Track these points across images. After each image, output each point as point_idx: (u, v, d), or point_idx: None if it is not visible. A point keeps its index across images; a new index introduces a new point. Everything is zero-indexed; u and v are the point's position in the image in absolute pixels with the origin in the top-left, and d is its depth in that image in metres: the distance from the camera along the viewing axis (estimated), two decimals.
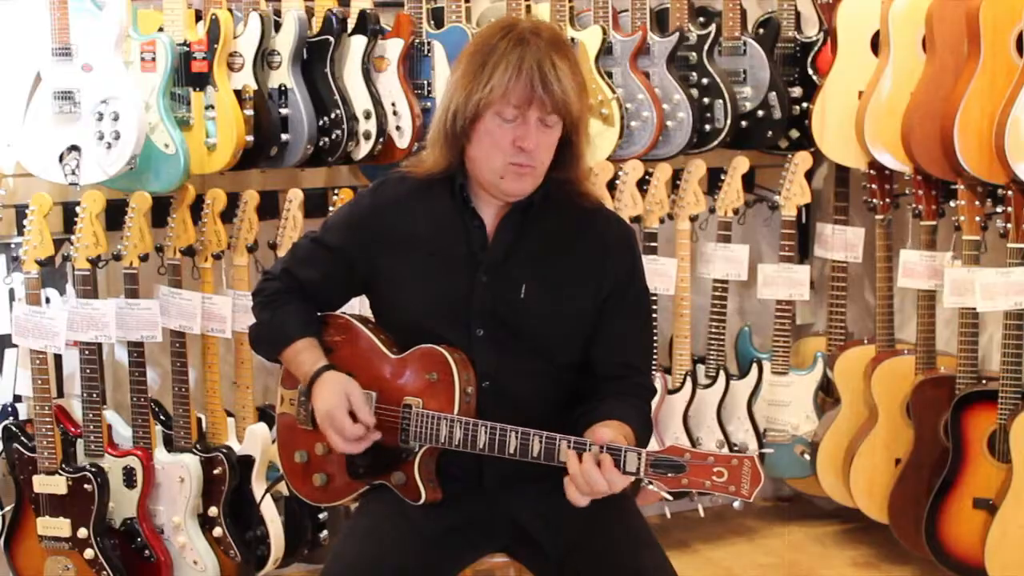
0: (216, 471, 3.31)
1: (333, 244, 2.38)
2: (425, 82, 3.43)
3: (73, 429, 3.29)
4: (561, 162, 2.30)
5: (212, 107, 3.21)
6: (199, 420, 3.43)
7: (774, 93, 3.74)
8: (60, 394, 3.36)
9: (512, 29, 2.24)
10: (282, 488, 3.39)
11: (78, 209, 3.18)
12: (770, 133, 3.80)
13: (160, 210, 3.30)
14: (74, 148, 3.11)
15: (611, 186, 3.62)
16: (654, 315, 3.69)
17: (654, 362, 3.60)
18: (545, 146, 2.24)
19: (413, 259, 2.32)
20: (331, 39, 3.31)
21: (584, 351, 2.34)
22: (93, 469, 3.21)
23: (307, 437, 2.37)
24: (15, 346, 3.23)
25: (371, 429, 2.26)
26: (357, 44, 3.35)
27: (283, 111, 3.29)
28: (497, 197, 2.31)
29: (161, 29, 3.21)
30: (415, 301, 2.32)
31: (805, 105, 3.81)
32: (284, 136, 3.30)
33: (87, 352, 3.23)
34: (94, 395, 3.25)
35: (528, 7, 3.56)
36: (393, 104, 3.39)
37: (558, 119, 2.23)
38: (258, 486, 3.36)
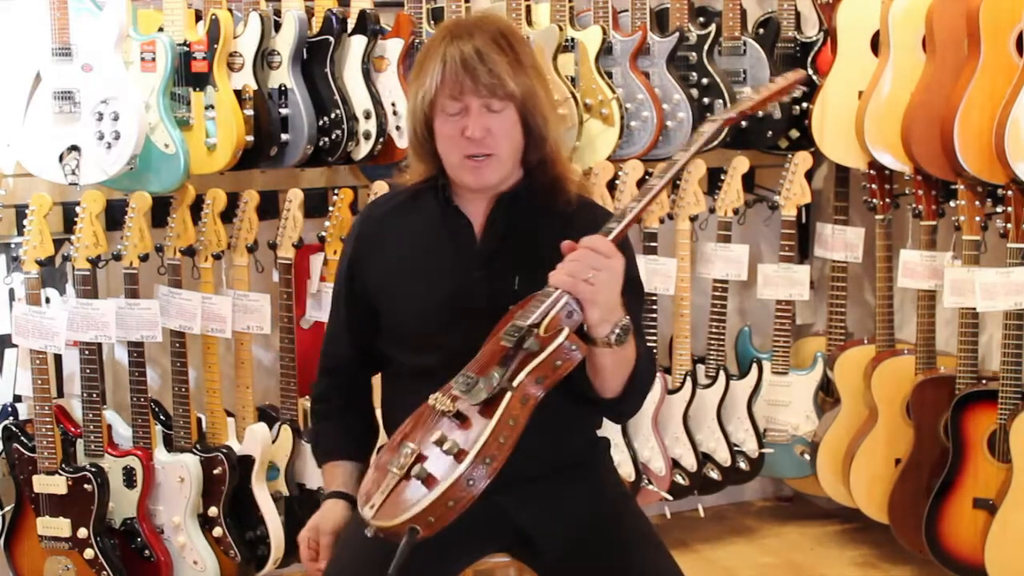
0: (216, 471, 3.31)
1: (344, 284, 2.40)
2: None
3: (73, 429, 3.29)
4: (528, 145, 2.27)
5: (212, 107, 3.21)
6: (199, 420, 3.43)
7: None
8: (60, 394, 3.35)
9: (453, 28, 2.26)
10: (282, 488, 3.40)
11: (78, 209, 3.18)
12: (770, 133, 3.80)
13: (160, 210, 3.30)
14: (74, 148, 3.11)
15: (611, 186, 3.61)
16: (654, 315, 3.71)
17: None
18: (500, 132, 2.22)
19: (407, 269, 2.32)
20: (331, 39, 3.31)
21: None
22: (93, 469, 3.21)
23: None
24: (15, 346, 3.23)
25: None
26: (357, 44, 3.36)
27: (283, 111, 3.29)
28: (473, 192, 2.30)
29: (161, 29, 3.21)
30: (414, 310, 2.30)
31: (805, 105, 3.80)
32: (284, 136, 3.30)
33: (87, 352, 3.23)
34: (94, 395, 3.25)
35: (528, 7, 3.56)
36: (393, 104, 3.39)
37: (502, 101, 2.20)
38: (258, 486, 3.36)
